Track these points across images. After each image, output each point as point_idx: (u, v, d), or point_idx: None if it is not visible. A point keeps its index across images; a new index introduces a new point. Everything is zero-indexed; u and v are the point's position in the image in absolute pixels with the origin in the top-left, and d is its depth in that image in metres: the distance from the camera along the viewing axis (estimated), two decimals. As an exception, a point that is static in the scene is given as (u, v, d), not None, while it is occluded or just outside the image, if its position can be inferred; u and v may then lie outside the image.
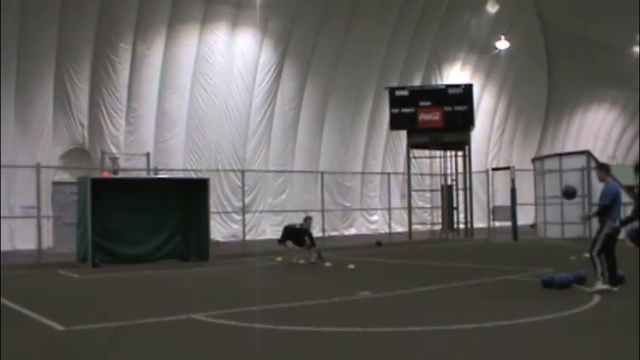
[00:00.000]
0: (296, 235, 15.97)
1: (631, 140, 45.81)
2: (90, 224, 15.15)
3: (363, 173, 29.85)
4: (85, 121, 22.61)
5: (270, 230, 26.55)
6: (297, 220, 27.44)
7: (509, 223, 23.81)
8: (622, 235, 10.17)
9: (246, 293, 10.53)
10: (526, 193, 26.31)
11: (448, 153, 26.97)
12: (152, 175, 19.85)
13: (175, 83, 24.31)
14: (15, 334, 7.46)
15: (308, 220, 16.48)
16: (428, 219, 29.37)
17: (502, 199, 24.91)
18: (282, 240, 16.08)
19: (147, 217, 16.46)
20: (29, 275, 13.98)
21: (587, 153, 23.63)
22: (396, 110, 25.23)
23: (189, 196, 17.24)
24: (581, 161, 22.94)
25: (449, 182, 26.95)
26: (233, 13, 25.06)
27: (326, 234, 23.13)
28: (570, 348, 6.45)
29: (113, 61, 22.74)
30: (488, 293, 10.29)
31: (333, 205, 27.48)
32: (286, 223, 28.81)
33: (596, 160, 22.56)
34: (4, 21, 20.02)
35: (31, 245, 18.20)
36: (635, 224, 9.88)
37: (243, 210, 21.93)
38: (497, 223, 24.35)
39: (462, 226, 26.37)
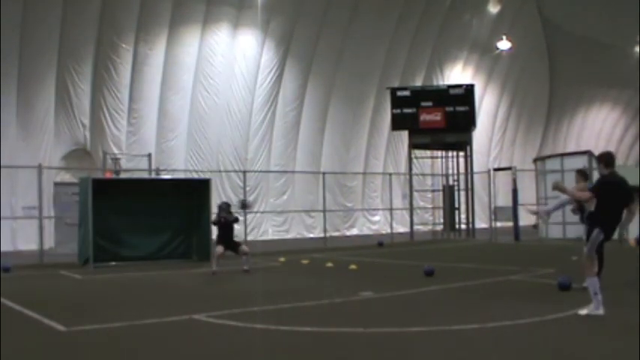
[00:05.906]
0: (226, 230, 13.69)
1: (632, 140, 45.77)
2: (91, 225, 15.15)
3: (364, 174, 29.85)
4: (87, 122, 22.66)
5: (271, 231, 26.61)
6: (299, 221, 27.71)
7: (510, 224, 23.78)
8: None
9: (248, 294, 10.54)
10: (528, 193, 26.27)
11: (450, 153, 26.96)
12: (154, 176, 19.85)
13: (177, 84, 24.36)
14: (16, 334, 7.47)
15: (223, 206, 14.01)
16: (429, 219, 29.36)
17: (504, 200, 24.89)
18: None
19: (149, 218, 16.45)
20: (31, 276, 13.99)
21: (588, 153, 23.57)
22: (398, 110, 25.23)
23: (191, 196, 17.23)
24: (582, 161, 22.84)
25: (450, 182, 26.94)
26: (234, 13, 25.10)
27: (328, 234, 23.14)
28: (572, 348, 6.44)
29: (115, 62, 22.79)
30: (489, 294, 10.27)
31: (335, 206, 27.49)
32: (287, 223, 29.16)
33: (596, 160, 22.49)
34: (5, 22, 20.05)
35: (33, 246, 18.23)
36: None
37: (245, 210, 21.93)
38: (498, 224, 24.33)
39: (463, 226, 26.35)
